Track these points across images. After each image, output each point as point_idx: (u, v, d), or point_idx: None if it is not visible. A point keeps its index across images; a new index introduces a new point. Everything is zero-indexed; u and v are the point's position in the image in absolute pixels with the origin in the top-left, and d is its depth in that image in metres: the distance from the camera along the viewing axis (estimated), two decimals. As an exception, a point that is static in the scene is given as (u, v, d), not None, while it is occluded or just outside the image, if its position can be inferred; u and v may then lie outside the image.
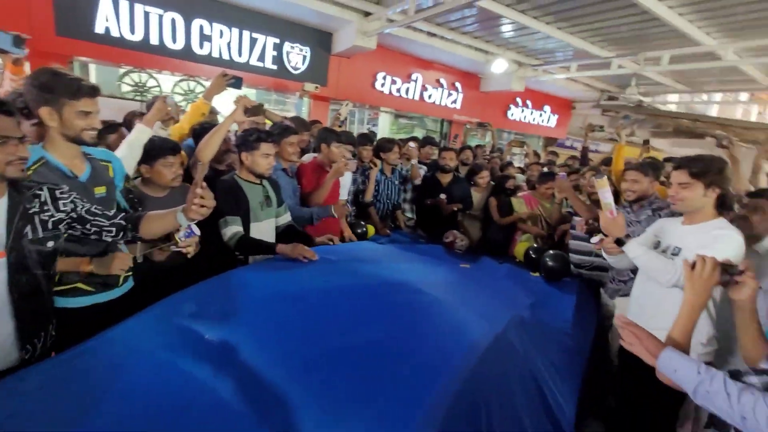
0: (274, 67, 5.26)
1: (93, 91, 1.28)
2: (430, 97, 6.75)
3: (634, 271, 1.96)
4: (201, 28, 4.67)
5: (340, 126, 3.85)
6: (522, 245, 3.06)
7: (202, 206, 1.16)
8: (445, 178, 3.44)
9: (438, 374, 1.12)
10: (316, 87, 4.57)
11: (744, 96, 8.56)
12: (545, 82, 6.99)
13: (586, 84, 7.58)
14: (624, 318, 1.14)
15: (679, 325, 1.10)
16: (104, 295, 1.43)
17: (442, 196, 3.26)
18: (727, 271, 1.09)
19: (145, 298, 1.36)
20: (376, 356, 1.18)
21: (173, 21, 4.52)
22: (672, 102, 8.28)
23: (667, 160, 4.24)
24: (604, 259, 1.97)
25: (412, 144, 3.78)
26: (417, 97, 6.63)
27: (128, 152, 1.69)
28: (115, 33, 4.24)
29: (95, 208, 1.20)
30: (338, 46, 5.36)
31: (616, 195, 2.47)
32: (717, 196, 1.60)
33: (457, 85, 6.97)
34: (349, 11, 4.76)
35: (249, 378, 1.05)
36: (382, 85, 6.20)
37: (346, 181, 2.95)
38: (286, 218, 2.18)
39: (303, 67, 5.43)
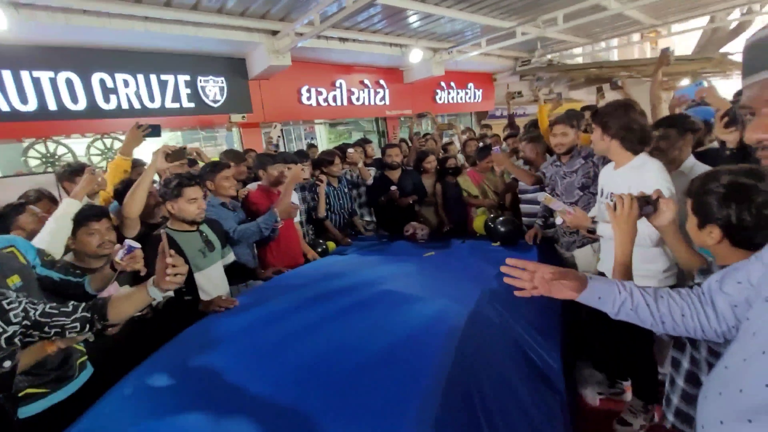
0: (192, 104, 5.06)
1: None
2: (358, 99, 6.80)
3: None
4: (102, 82, 4.39)
5: (275, 150, 3.79)
6: (479, 219, 3.17)
7: (177, 274, 1.08)
8: (394, 174, 3.51)
9: (421, 368, 1.13)
10: (243, 116, 4.41)
11: (636, 37, 9.38)
12: (463, 62, 7.26)
13: (500, 55, 7.98)
14: (512, 262, 1.08)
15: (617, 262, 1.17)
16: (61, 393, 1.30)
17: (393, 188, 3.31)
18: (645, 203, 1.17)
19: (111, 379, 1.26)
20: (358, 365, 1.19)
21: (69, 81, 4.22)
22: (578, 55, 8.93)
23: (585, 108, 4.58)
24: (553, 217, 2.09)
25: (350, 150, 3.79)
26: (345, 102, 6.65)
27: (55, 227, 1.56)
28: (4, 107, 3.88)
29: (50, 308, 1.05)
30: (254, 70, 5.25)
31: (550, 150, 2.63)
32: (620, 138, 1.70)
33: (382, 82, 7.07)
34: (256, 34, 4.68)
35: (251, 413, 1.04)
36: (308, 98, 6.16)
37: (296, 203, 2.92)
38: (230, 257, 2.11)
39: (222, 98, 5.26)
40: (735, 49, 8.28)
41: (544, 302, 2.00)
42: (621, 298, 0.96)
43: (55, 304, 1.07)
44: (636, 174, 1.68)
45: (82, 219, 1.63)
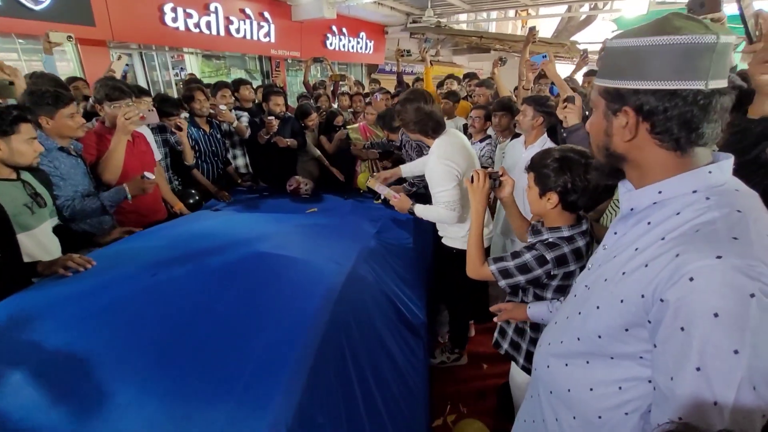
0: (0, 2, 3.78)
1: None
2: (238, 31, 5.99)
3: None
4: None
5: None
6: (363, 176, 3.22)
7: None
8: (274, 122, 3.25)
9: (295, 333, 1.13)
10: (70, 37, 3.21)
11: (512, 13, 10.22)
12: (356, 8, 6.95)
13: (393, 7, 7.85)
14: (497, 308, 1.41)
15: (473, 228, 1.40)
16: None
17: (270, 118, 3.06)
18: (492, 178, 1.39)
19: None
20: (229, 334, 1.12)
21: None
22: (463, 21, 9.36)
23: (467, 76, 4.90)
24: None
25: (224, 89, 3.36)
26: (223, 32, 5.81)
27: None
28: None
29: None
30: (95, -31, 4.13)
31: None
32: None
33: (266, 15, 6.33)
34: None
35: (90, 387, 0.93)
36: (174, 19, 5.18)
37: (153, 146, 2.49)
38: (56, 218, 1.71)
39: (48, 1, 4.04)
40: (581, 39, 9.73)
41: (414, 256, 2.20)
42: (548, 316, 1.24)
43: None
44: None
45: None
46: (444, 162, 1.81)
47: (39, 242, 1.53)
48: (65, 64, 4.70)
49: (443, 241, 2.12)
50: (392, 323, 1.66)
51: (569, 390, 0.84)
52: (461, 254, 1.49)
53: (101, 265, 1.41)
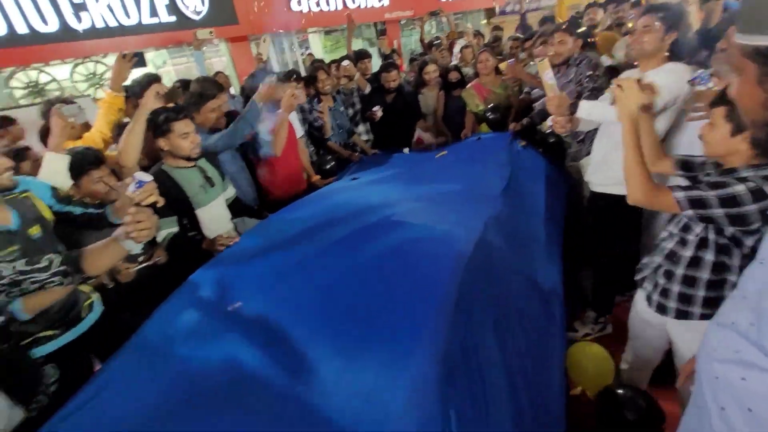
0: (173, 18, 4.61)
1: None
2: (354, 1, 6.09)
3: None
4: (69, -2, 3.96)
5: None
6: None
7: (143, 229, 1.03)
8: (389, 96, 3.28)
9: (432, 294, 1.17)
10: (211, 32, 3.84)
11: None
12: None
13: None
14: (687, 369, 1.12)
15: (628, 146, 1.20)
16: (70, 335, 1.34)
17: (375, 108, 3.16)
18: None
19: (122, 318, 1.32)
20: (372, 296, 1.22)
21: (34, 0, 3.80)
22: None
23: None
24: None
25: (345, 62, 3.46)
26: (340, 6, 5.98)
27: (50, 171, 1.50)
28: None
29: (25, 265, 1.04)
30: (235, -28, 4.66)
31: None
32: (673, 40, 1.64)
33: (380, -22, 6.26)
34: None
35: (267, 347, 1.10)
36: (299, 2, 5.54)
37: (296, 125, 2.78)
38: (231, 191, 2.02)
39: (205, 9, 4.76)
40: None
41: (544, 214, 2.00)
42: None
43: (29, 260, 1.06)
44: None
45: (79, 168, 1.56)
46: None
47: (212, 216, 1.87)
48: (217, 60, 5.55)
49: (593, 188, 1.90)
50: (525, 289, 1.55)
51: (750, 410, 0.64)
52: (617, 201, 1.35)
53: (261, 234, 1.67)
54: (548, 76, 1.67)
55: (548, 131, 2.41)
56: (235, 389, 1.02)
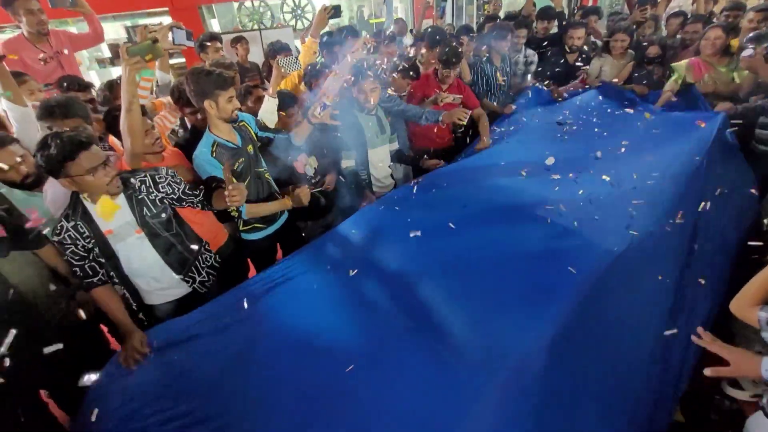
0: None
1: (232, 81, 1.62)
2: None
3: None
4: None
5: (441, 16, 3.47)
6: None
7: (236, 197, 1.44)
8: (572, 57, 3.03)
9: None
10: None
11: None
12: None
13: None
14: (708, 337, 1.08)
15: None
16: (271, 228, 1.94)
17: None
18: None
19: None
20: (505, 273, 1.38)
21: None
22: None
23: None
24: None
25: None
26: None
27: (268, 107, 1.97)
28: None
29: (188, 190, 1.56)
30: None
31: None
32: None
33: None
34: None
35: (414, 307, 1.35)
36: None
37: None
38: (396, 144, 2.39)
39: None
40: None
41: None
42: None
43: (190, 187, 1.59)
44: None
45: (282, 107, 2.04)
46: None
47: (378, 157, 2.27)
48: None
49: None
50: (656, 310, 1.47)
51: None
52: None
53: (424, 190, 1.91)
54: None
55: None
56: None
